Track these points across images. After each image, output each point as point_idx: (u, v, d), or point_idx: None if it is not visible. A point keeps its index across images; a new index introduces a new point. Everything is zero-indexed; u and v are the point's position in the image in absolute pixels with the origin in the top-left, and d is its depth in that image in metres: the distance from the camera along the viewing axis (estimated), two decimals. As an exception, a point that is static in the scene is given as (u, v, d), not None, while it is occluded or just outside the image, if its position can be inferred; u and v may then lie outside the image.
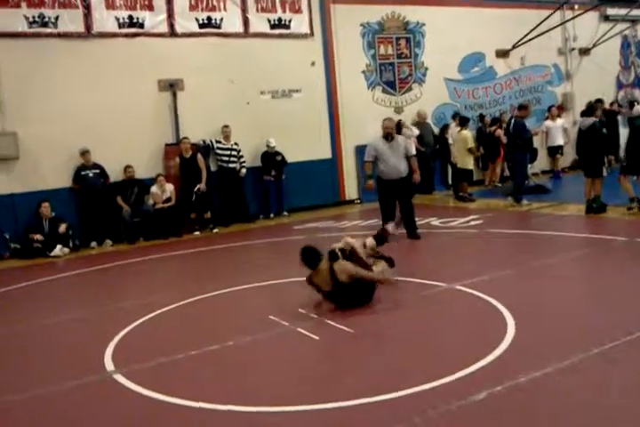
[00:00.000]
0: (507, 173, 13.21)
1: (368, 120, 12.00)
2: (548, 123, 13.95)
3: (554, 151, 14.06)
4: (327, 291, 5.37)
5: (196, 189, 10.23)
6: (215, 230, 10.40)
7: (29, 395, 4.14)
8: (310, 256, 5.41)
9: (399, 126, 11.50)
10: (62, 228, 9.37)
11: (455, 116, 12.86)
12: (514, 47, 14.21)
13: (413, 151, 8.81)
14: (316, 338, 4.77)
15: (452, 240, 8.27)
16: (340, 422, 3.47)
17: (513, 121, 10.67)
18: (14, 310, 6.51)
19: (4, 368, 4.73)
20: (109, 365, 4.56)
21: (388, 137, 8.35)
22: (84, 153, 9.81)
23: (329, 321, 5.08)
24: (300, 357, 4.54)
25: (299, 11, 11.81)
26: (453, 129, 12.43)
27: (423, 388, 3.73)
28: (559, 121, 13.96)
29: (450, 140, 12.63)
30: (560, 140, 13.87)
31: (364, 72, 12.79)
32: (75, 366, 4.64)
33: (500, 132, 12.55)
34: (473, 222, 9.16)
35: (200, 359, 4.55)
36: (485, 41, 13.85)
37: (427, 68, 13.44)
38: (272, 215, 11.33)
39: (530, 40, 13.93)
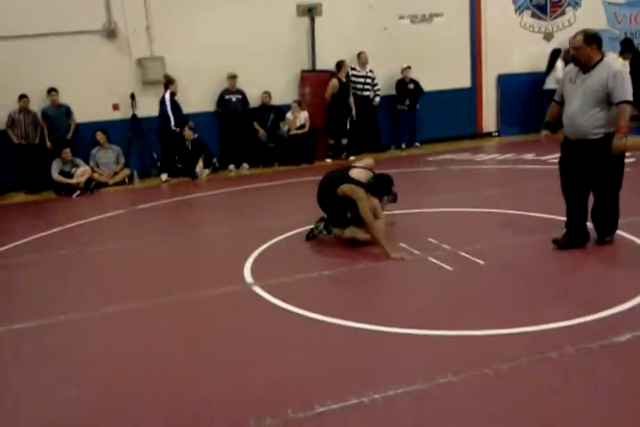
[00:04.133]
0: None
1: (514, 47, 11.22)
2: None
3: None
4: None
5: (353, 114, 10.25)
6: (351, 158, 10.41)
7: (174, 299, 4.52)
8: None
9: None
10: (201, 161, 9.81)
11: (624, 42, 11.43)
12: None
13: (626, 95, 4.55)
14: (449, 268, 4.74)
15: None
16: (470, 349, 3.48)
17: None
18: (167, 223, 7.06)
19: (155, 275, 5.18)
20: (248, 277, 4.85)
21: (578, 64, 4.72)
22: (232, 77, 10.06)
23: (460, 252, 5.01)
24: (432, 285, 4.54)
25: None
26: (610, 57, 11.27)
27: (561, 324, 3.63)
28: None
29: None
30: None
31: (512, -6, 11.85)
32: (217, 276, 4.98)
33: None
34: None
35: (333, 279, 4.71)
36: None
37: (584, -11, 12.18)
38: (404, 146, 11.14)
39: None
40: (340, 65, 10.22)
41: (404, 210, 6.39)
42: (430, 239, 5.38)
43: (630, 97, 4.56)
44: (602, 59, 4.63)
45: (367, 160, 6.20)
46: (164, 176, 9.71)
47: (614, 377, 3.12)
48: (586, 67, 4.64)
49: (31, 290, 5.06)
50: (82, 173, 9.12)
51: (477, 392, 3.08)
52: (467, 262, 4.82)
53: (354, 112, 10.37)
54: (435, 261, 4.89)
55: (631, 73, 4.99)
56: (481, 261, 4.80)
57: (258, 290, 4.57)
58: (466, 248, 5.09)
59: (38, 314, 4.39)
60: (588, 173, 4.77)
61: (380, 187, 5.42)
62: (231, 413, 3.03)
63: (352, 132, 10.51)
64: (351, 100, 10.37)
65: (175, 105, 9.56)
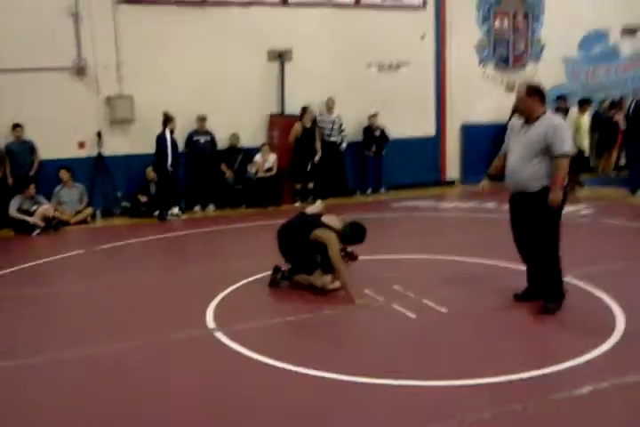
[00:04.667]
0: (622, 161, 12.39)
1: (477, 97, 11.61)
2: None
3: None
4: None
5: (316, 159, 10.37)
6: (318, 202, 10.43)
7: (141, 342, 4.40)
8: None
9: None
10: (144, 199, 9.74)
11: (560, 98, 11.83)
12: (643, 25, 13.19)
13: (564, 148, 4.52)
14: (413, 316, 4.73)
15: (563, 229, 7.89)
16: (433, 400, 3.44)
17: (634, 105, 9.96)
18: (129, 264, 6.92)
19: (113, 318, 5.03)
20: (210, 322, 4.75)
21: (521, 114, 4.74)
22: (201, 119, 10.12)
23: (424, 300, 5.02)
24: (396, 333, 4.51)
25: (413, -19, 11.49)
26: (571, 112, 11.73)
27: (523, 376, 3.63)
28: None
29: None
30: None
31: (476, 47, 12.33)
32: (178, 319, 4.87)
33: (619, 118, 11.76)
34: (585, 212, 8.70)
35: (298, 326, 4.65)
36: (610, 17, 12.92)
37: (544, 45, 12.76)
38: (369, 191, 11.27)
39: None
40: (304, 110, 10.40)
41: (370, 255, 6.41)
42: (395, 286, 5.39)
43: (569, 150, 4.53)
44: (544, 112, 4.61)
45: (317, 205, 6.23)
46: (175, 210, 9.70)
47: (576, 431, 3.12)
48: (528, 118, 4.61)
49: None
50: (42, 211, 8.90)
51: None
52: (430, 311, 4.83)
53: (317, 156, 10.45)
54: (399, 308, 4.88)
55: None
56: (444, 310, 4.81)
57: (220, 336, 4.48)
58: (429, 296, 5.11)
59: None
60: (527, 228, 4.72)
61: (354, 235, 5.42)
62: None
63: (318, 176, 10.61)
64: (317, 144, 10.51)
65: (173, 144, 9.51)
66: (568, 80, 13.04)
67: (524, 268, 5.01)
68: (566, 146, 4.50)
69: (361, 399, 3.50)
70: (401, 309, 4.87)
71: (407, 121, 11.54)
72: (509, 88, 12.47)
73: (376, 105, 11.12)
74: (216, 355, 4.20)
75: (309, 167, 10.40)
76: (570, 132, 4.67)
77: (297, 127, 10.38)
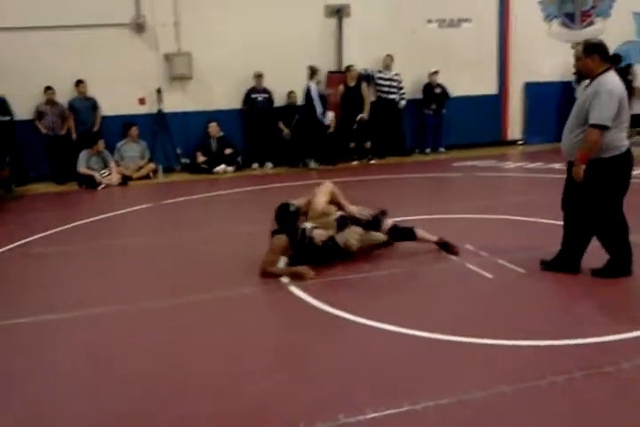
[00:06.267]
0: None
1: (541, 55, 11.15)
2: None
3: None
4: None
5: (358, 118, 10.19)
6: (372, 161, 10.38)
7: (214, 295, 4.47)
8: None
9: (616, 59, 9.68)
10: (228, 151, 9.83)
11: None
12: None
13: (597, 119, 4.09)
14: (489, 276, 4.66)
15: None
16: (521, 360, 3.41)
17: None
18: (193, 218, 7.01)
19: (192, 271, 5.10)
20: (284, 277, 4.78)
21: (580, 76, 4.74)
22: (258, 76, 10.04)
23: (499, 260, 4.94)
24: (474, 292, 4.46)
25: None
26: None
27: (613, 338, 3.56)
28: None
29: (637, 83, 11.47)
30: None
31: (541, 2, 11.77)
32: (250, 274, 4.90)
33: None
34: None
35: (371, 282, 4.65)
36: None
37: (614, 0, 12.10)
38: (428, 150, 11.08)
39: None
40: (347, 69, 10.23)
41: (437, 215, 6.33)
42: (467, 245, 5.31)
43: (600, 121, 4.04)
44: (604, 71, 4.18)
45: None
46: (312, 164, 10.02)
47: (673, 394, 3.05)
48: (590, 79, 4.23)
49: (59, 281, 5.01)
50: (111, 177, 9.07)
51: (532, 405, 3.01)
52: (507, 270, 4.74)
53: (361, 115, 10.21)
54: (474, 268, 4.82)
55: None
56: (522, 270, 4.72)
57: (294, 289, 4.51)
58: (504, 256, 5.01)
59: (74, 304, 4.34)
60: (574, 199, 4.40)
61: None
62: (281, 416, 2.97)
63: (374, 135, 10.43)
64: (366, 103, 10.26)
65: (321, 95, 10.01)
66: (638, 37, 12.37)
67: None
68: (599, 116, 4.05)
69: (446, 357, 3.48)
70: (476, 268, 4.80)
71: (468, 79, 11.18)
72: (575, 45, 11.92)
73: (436, 62, 10.81)
74: (293, 308, 4.24)
75: (355, 126, 10.23)
76: (615, 101, 4.06)
77: (340, 87, 10.24)
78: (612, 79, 4.19)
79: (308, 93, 10.01)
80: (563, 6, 11.90)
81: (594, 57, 4.21)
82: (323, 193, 4.99)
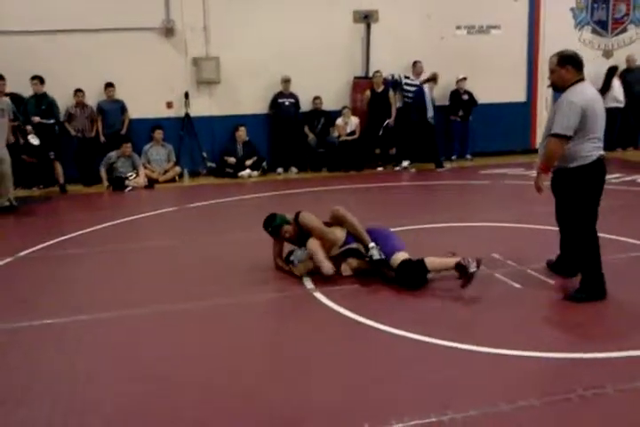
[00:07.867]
0: None
1: (572, 63, 10.98)
2: None
3: None
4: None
5: (385, 123, 10.16)
6: (397, 168, 10.34)
7: (236, 300, 4.46)
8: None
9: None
10: (248, 162, 9.86)
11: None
12: None
13: (557, 129, 4.02)
14: (518, 286, 4.59)
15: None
16: (550, 372, 3.34)
17: None
18: (218, 222, 7.02)
19: (216, 275, 5.11)
20: (308, 282, 4.76)
21: (555, 89, 4.30)
22: (286, 81, 10.07)
23: (528, 270, 4.86)
24: (502, 302, 4.38)
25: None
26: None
27: (645, 353, 3.47)
28: None
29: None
30: None
31: (572, 9, 11.65)
32: (275, 279, 4.90)
33: None
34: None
35: (396, 290, 4.60)
36: None
37: (647, 7, 11.93)
38: (454, 157, 10.99)
39: None
40: (373, 75, 10.23)
41: (462, 222, 6.26)
42: (494, 254, 5.24)
43: (562, 131, 3.97)
44: (575, 83, 4.08)
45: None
46: (405, 163, 10.29)
47: None
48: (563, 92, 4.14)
49: (87, 283, 5.05)
50: (138, 179, 9.19)
51: (560, 418, 2.94)
52: (536, 281, 4.66)
53: (388, 121, 10.20)
54: (502, 277, 4.75)
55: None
56: (550, 281, 4.64)
57: (319, 296, 4.48)
58: (533, 266, 4.93)
59: (101, 306, 4.36)
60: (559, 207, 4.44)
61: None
62: (307, 424, 2.94)
63: (400, 141, 10.37)
64: (393, 109, 10.24)
65: (431, 98, 10.19)
66: (672, 45, 12.16)
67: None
68: (559, 126, 3.99)
69: (475, 368, 3.42)
70: (504, 278, 4.72)
71: (496, 86, 11.09)
72: (607, 54, 11.79)
73: (464, 68, 10.75)
74: (319, 315, 4.21)
75: (381, 132, 10.18)
76: (576, 111, 3.95)
77: (366, 93, 10.22)
78: (580, 90, 4.07)
79: (420, 95, 10.08)
80: (594, 14, 11.75)
81: (567, 68, 4.11)
82: (325, 233, 4.83)
